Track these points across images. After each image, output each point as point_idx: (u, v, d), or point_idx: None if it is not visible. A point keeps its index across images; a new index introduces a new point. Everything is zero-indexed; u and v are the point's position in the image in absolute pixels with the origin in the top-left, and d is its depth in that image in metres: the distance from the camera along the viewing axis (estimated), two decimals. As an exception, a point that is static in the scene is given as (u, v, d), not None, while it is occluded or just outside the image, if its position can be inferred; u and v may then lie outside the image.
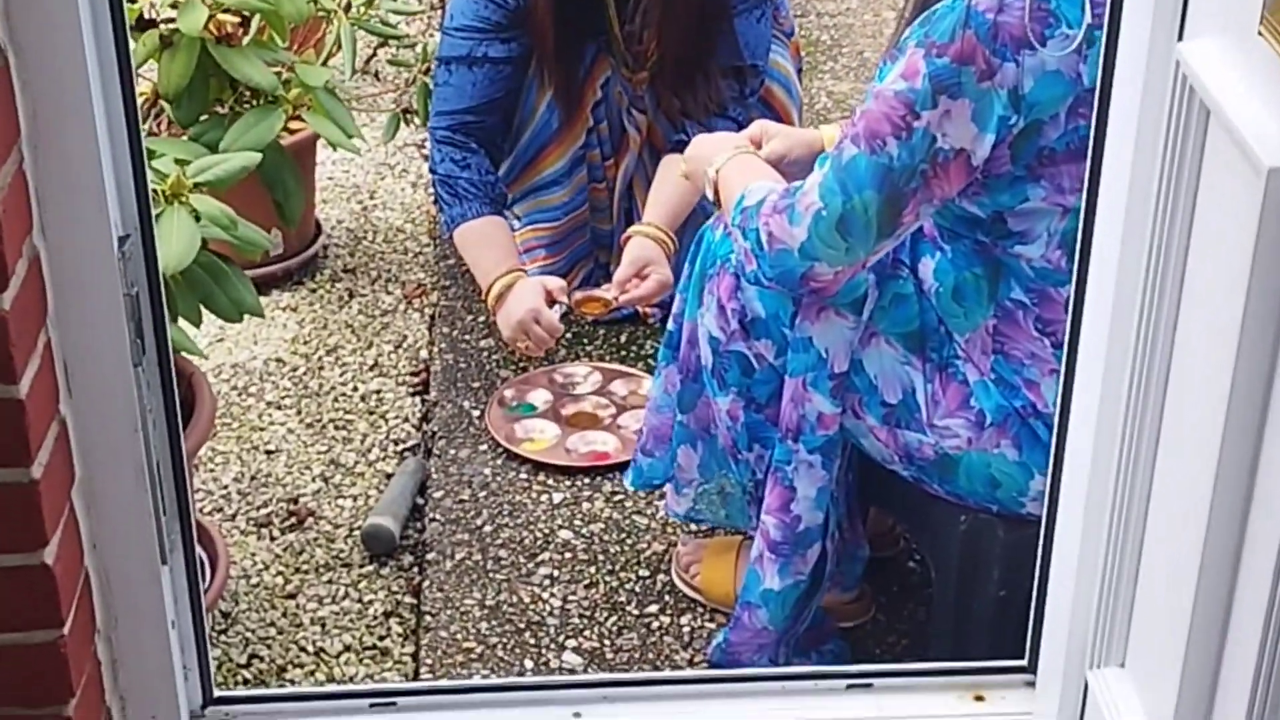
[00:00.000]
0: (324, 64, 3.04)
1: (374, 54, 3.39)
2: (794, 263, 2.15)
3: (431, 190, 3.79)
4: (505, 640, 2.52)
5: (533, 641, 2.52)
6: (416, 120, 3.42)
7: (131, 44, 1.65)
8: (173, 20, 2.40)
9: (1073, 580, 1.82)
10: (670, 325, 2.50)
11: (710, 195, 2.43)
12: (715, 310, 2.33)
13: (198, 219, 2.13)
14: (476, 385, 3.10)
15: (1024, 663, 2.05)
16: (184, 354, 2.19)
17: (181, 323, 2.21)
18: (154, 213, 1.77)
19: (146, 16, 2.48)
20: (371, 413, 3.09)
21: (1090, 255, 1.74)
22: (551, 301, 2.98)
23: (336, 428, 3.05)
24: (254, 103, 2.46)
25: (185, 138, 2.40)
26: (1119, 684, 1.72)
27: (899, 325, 2.25)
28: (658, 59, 3.09)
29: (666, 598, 2.61)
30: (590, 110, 3.14)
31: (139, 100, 1.71)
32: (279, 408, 3.10)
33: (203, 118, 2.44)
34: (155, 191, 2.11)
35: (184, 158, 2.25)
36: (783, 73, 3.19)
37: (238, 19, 2.43)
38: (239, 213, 2.20)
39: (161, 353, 1.76)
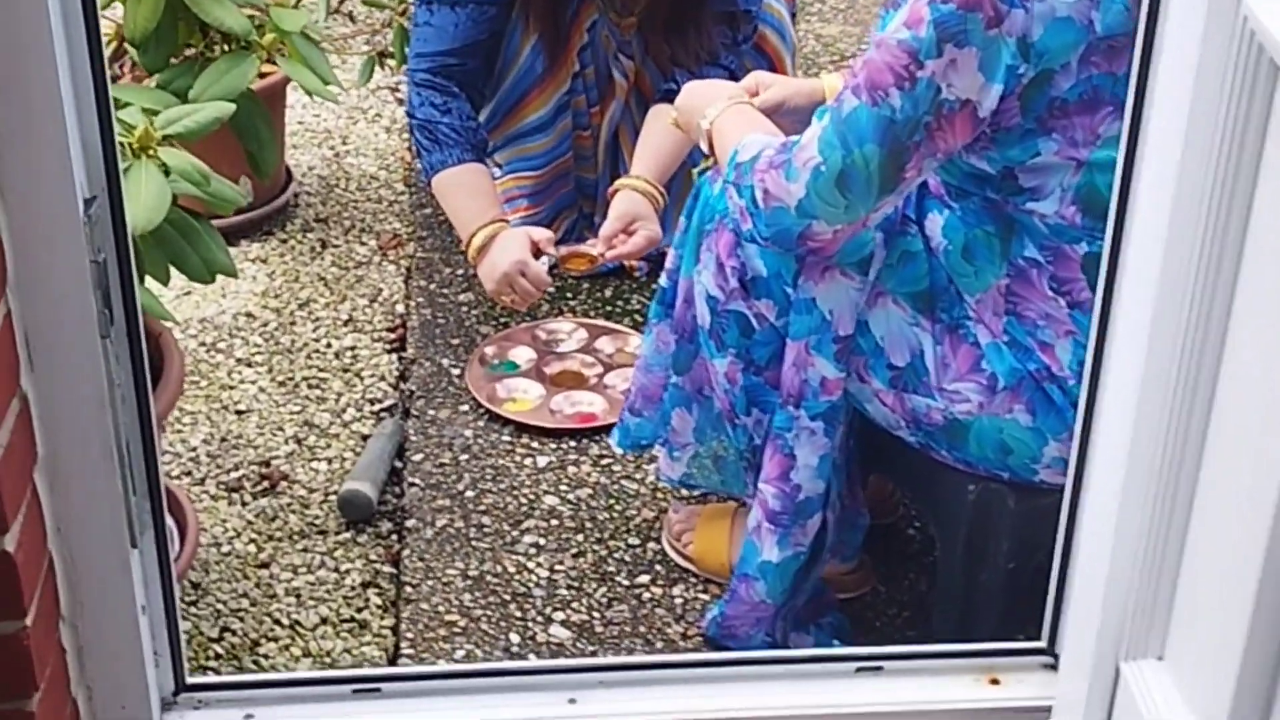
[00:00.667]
0: (296, 5, 2.91)
1: (347, -7, 3.25)
2: (791, 221, 2.03)
3: (408, 136, 3.66)
4: (490, 613, 2.41)
5: (518, 614, 2.41)
6: (391, 64, 3.28)
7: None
8: (138, -41, 2.26)
9: (1106, 560, 1.71)
10: (663, 281, 2.38)
11: (704, 147, 2.31)
12: (714, 268, 2.21)
13: (167, 174, 2.00)
14: (456, 342, 2.98)
15: (1042, 644, 1.95)
16: (152, 317, 2.05)
17: (149, 282, 2.08)
18: (120, 168, 1.64)
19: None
20: (346, 370, 2.96)
21: (1130, 213, 1.62)
22: (538, 253, 2.85)
23: (310, 386, 2.92)
24: (226, 47, 2.32)
25: (152, 85, 2.26)
26: (1157, 677, 1.62)
27: (907, 284, 2.14)
28: (647, 4, 2.95)
29: (658, 567, 2.50)
30: (576, 55, 3.00)
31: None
32: (249, 365, 2.97)
33: (171, 62, 2.29)
34: (121, 145, 1.97)
35: (152, 107, 2.11)
36: (776, 17, 3.06)
37: (207, -41, 2.28)
38: (206, 161, 2.07)
39: (130, 322, 1.64)
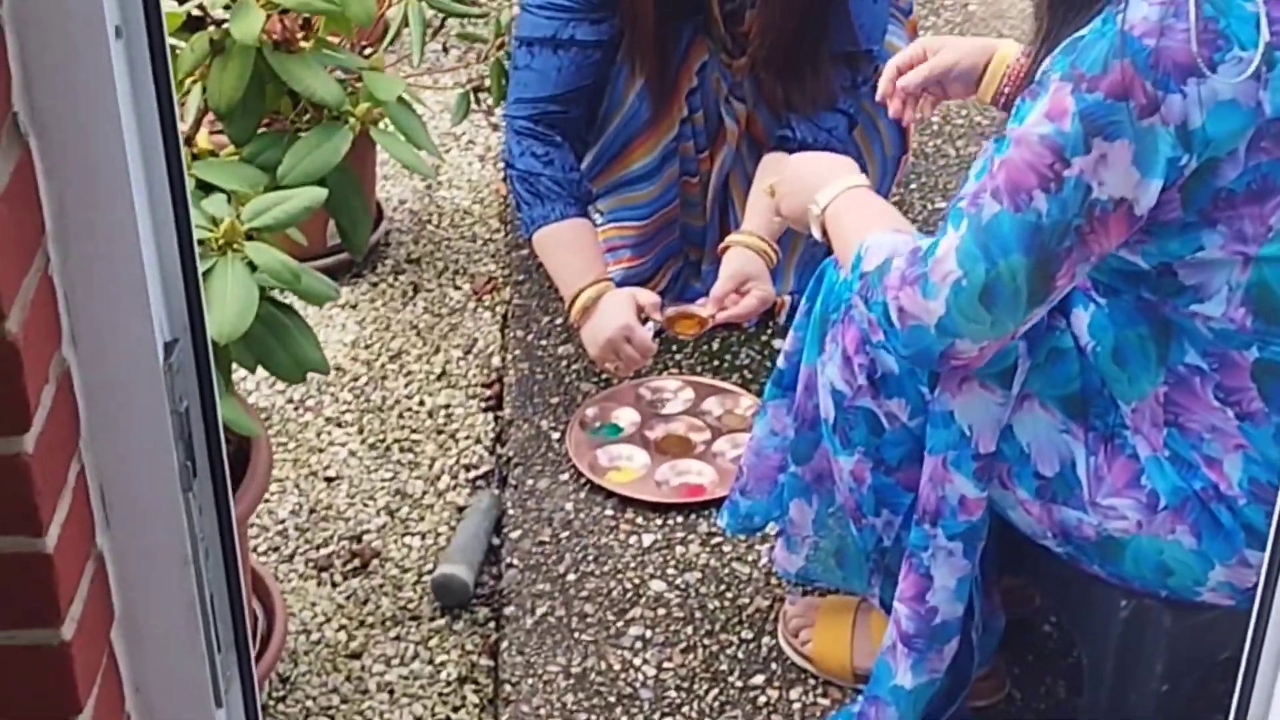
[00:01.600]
0: (390, 45, 2.75)
1: (442, 24, 3.08)
2: (931, 340, 1.85)
3: (502, 168, 3.50)
4: (594, 716, 2.26)
5: (624, 719, 2.25)
6: (488, 100, 3.11)
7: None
8: (225, 21, 2.10)
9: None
10: (781, 363, 2.21)
11: (818, 235, 2.12)
12: (840, 361, 2.04)
13: (253, 269, 1.84)
14: (555, 401, 2.82)
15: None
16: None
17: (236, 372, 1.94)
18: (201, 268, 1.48)
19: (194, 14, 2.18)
20: (440, 432, 2.81)
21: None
22: (644, 317, 2.68)
23: (402, 450, 2.77)
24: (315, 114, 2.16)
25: (238, 158, 2.10)
26: None
27: (1056, 387, 1.96)
28: (761, 43, 2.76)
29: (773, 666, 2.34)
30: (684, 99, 2.82)
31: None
32: (339, 425, 2.82)
33: (259, 132, 2.14)
34: (202, 242, 1.82)
35: (238, 189, 1.96)
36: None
37: (297, 20, 2.12)
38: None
39: (216, 471, 1.48)
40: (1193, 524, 1.90)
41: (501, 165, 3.51)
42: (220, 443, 1.47)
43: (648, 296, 2.70)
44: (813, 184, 2.13)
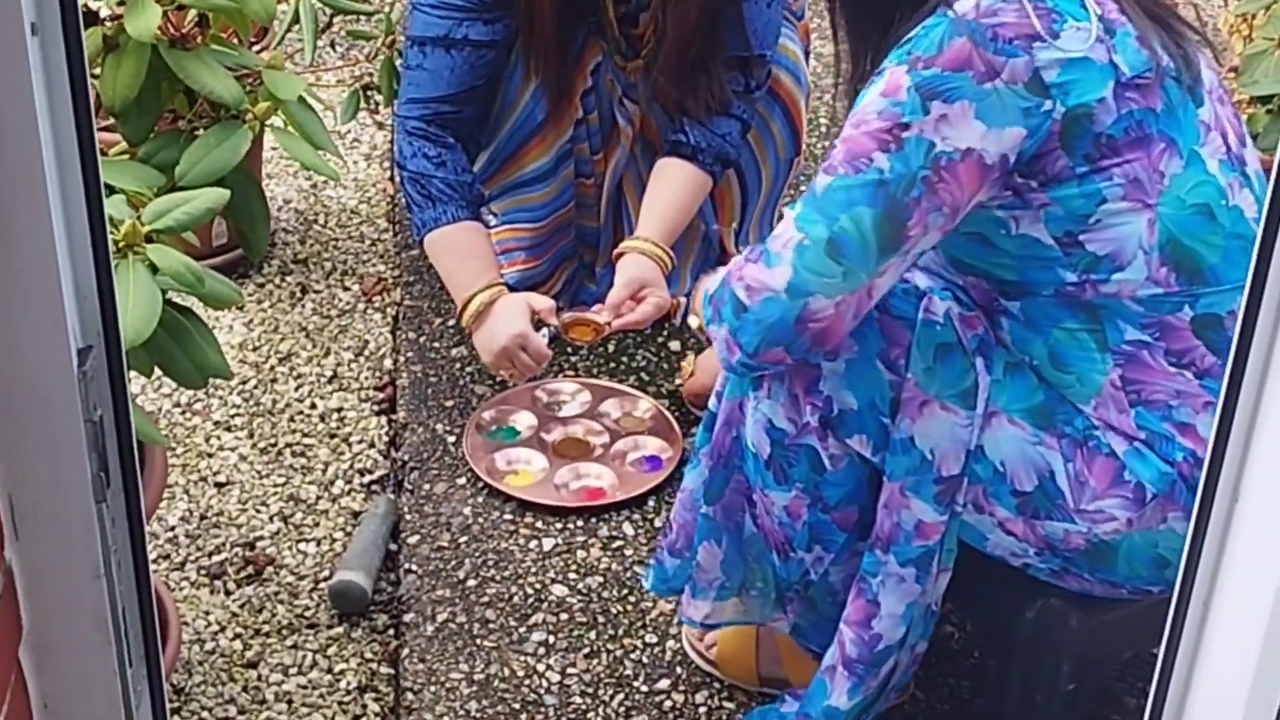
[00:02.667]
0: (279, 43, 2.70)
1: (330, 23, 3.03)
2: (784, 306, 1.82)
3: (389, 168, 3.46)
4: (499, 723, 2.23)
5: (530, 725, 2.23)
6: (377, 97, 3.07)
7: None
8: (119, 17, 2.04)
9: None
10: (712, 405, 2.11)
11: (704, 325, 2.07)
12: (784, 399, 1.97)
13: (155, 271, 1.79)
14: (450, 404, 2.78)
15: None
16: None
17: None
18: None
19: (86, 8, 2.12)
20: (333, 436, 2.76)
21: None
22: (539, 324, 2.65)
23: (294, 454, 2.72)
24: (211, 113, 2.11)
25: (129, 157, 2.05)
26: None
27: (1021, 399, 1.91)
28: (655, 47, 2.75)
29: (678, 670, 2.32)
30: (579, 100, 2.80)
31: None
32: (228, 429, 2.77)
33: (154, 132, 2.08)
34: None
35: (136, 189, 1.91)
36: (791, 59, 2.87)
37: (194, 17, 2.07)
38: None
39: (128, 481, 1.44)
40: (1184, 506, 1.86)
41: (389, 165, 3.48)
42: (134, 452, 1.43)
43: (543, 302, 2.67)
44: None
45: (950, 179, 1.78)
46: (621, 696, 2.28)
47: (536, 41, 2.69)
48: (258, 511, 2.60)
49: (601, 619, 2.39)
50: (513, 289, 2.74)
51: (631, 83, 2.82)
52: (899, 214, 1.80)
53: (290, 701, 2.29)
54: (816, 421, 1.95)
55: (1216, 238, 1.85)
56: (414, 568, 2.47)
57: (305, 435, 2.76)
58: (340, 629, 2.40)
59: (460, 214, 2.70)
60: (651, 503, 2.60)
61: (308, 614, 2.43)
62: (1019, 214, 1.84)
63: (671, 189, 2.72)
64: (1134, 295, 1.85)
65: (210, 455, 2.71)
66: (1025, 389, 1.91)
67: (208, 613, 2.42)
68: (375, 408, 2.83)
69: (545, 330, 2.65)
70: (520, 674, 2.30)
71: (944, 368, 1.89)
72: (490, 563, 2.48)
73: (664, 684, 2.30)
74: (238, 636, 2.39)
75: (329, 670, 2.34)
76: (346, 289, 3.11)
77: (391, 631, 2.41)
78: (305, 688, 2.31)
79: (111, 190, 1.90)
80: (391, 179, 3.43)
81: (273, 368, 2.90)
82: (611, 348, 2.92)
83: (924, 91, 1.77)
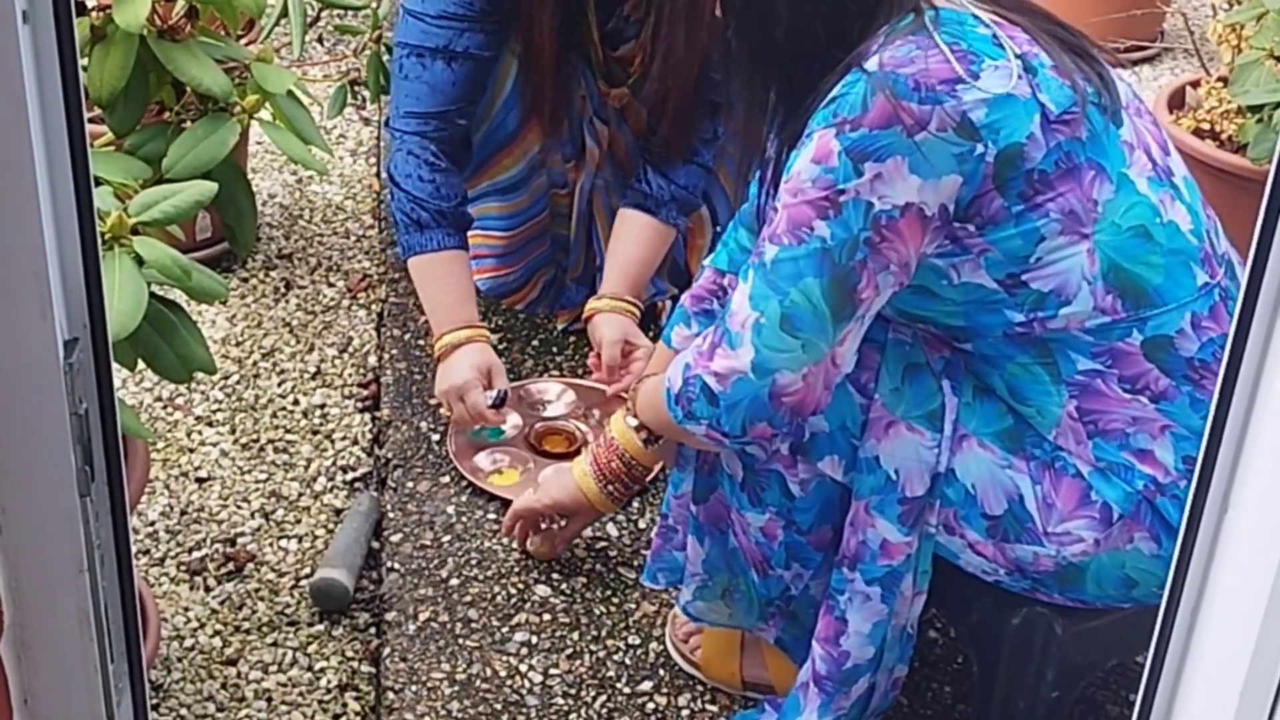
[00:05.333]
0: (266, 37, 2.68)
1: (317, 17, 3.01)
2: (754, 386, 1.83)
3: (374, 164, 3.45)
4: (480, 724, 2.22)
5: (512, 726, 2.22)
6: (363, 92, 3.05)
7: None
8: (107, 8, 2.03)
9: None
10: None
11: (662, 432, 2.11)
12: None
13: (141, 263, 1.78)
14: (434, 402, 2.77)
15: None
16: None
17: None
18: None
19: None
20: (316, 432, 2.75)
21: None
22: (489, 385, 2.63)
23: (276, 450, 2.70)
24: (198, 106, 2.09)
25: (115, 149, 2.03)
26: None
27: (991, 423, 1.91)
28: (640, 79, 2.74)
29: (661, 672, 2.31)
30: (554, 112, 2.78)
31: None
32: (210, 424, 2.75)
33: (141, 124, 2.07)
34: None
35: (122, 181, 1.89)
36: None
37: (183, 8, 2.05)
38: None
39: (113, 475, 1.42)
40: (1149, 527, 1.87)
41: (375, 161, 3.46)
42: (118, 446, 1.41)
43: (497, 366, 2.64)
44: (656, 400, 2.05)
45: (893, 236, 1.77)
46: (604, 698, 2.26)
47: (535, 56, 2.67)
48: (239, 507, 2.59)
49: (585, 620, 2.38)
50: (485, 294, 2.73)
51: (605, 105, 2.80)
52: (846, 279, 1.79)
53: (270, 699, 2.27)
54: (786, 449, 1.94)
55: (1156, 257, 1.84)
56: (396, 566, 2.46)
57: (288, 431, 2.74)
58: (321, 627, 2.39)
59: (446, 242, 2.66)
60: (635, 504, 2.59)
61: (288, 611, 2.41)
62: (959, 261, 1.83)
63: (636, 244, 2.75)
64: (1082, 326, 1.84)
65: (192, 450, 2.69)
66: (995, 413, 1.91)
67: (187, 609, 2.40)
68: (359, 404, 2.81)
69: (491, 394, 2.63)
70: (502, 674, 2.29)
71: (911, 388, 1.89)
72: (473, 562, 2.47)
73: (647, 686, 2.29)
74: (217, 633, 2.37)
75: (309, 668, 2.33)
76: (331, 285, 3.09)
77: (373, 630, 2.39)
78: (285, 685, 2.30)
79: (98, 182, 1.88)
80: (378, 175, 3.41)
81: (256, 363, 2.89)
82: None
83: (854, 154, 1.75)
